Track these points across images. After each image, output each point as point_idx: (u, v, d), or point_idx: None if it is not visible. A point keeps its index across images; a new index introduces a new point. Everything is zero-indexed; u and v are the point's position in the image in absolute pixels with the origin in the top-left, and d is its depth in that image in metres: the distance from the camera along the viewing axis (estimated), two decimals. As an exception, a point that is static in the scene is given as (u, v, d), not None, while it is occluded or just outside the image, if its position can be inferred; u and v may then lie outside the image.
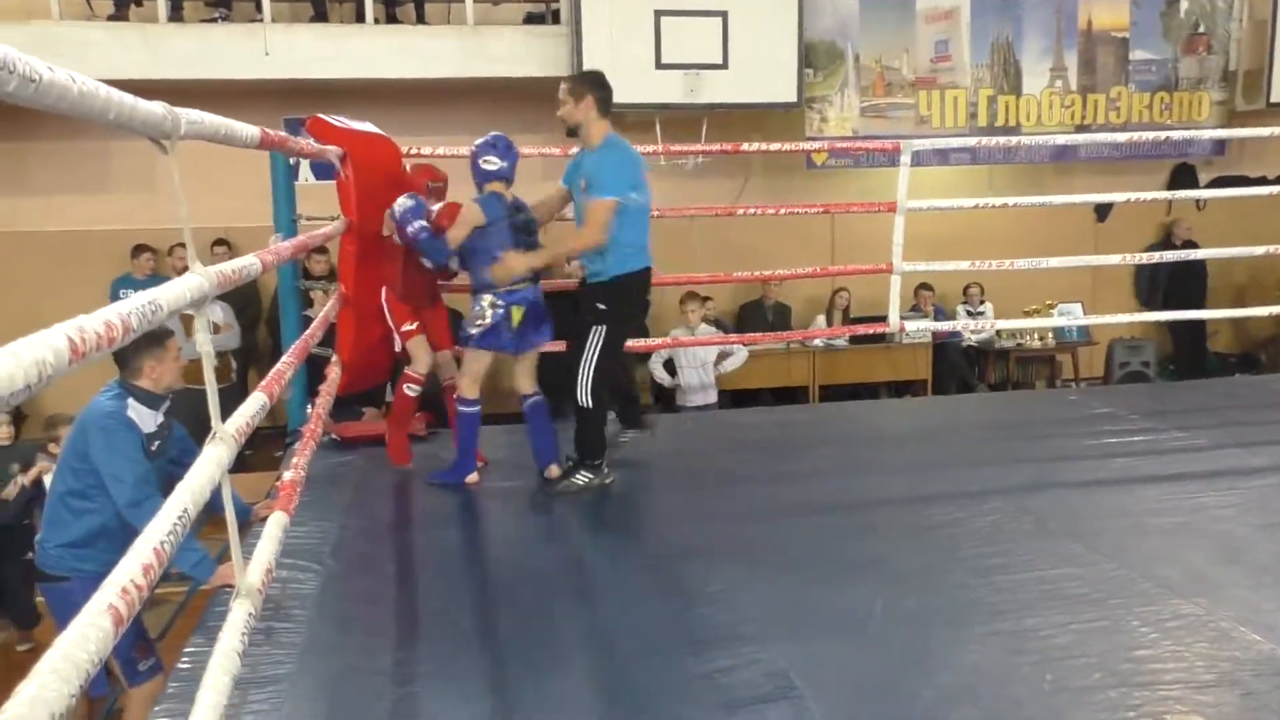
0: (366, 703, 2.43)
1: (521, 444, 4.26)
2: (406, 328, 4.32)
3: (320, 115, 4.30)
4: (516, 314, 3.89)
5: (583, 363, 3.91)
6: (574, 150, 4.31)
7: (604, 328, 3.93)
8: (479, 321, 3.88)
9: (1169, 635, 2.68)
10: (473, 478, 4.07)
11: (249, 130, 2.32)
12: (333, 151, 4.14)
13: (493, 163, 3.94)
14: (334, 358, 4.37)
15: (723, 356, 7.31)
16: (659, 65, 7.62)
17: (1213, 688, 2.40)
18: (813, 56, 8.20)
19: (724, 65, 7.74)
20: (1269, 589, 2.95)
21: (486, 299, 3.89)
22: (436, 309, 4.48)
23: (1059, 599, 2.91)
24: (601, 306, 3.96)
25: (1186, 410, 5.19)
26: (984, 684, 2.47)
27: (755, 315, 8.48)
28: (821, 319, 8.64)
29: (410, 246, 4.02)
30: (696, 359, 7.20)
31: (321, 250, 6.87)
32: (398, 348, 4.39)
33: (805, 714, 2.31)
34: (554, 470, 4.04)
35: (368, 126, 4.53)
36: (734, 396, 7.95)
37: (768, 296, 8.54)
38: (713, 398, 7.27)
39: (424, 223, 3.97)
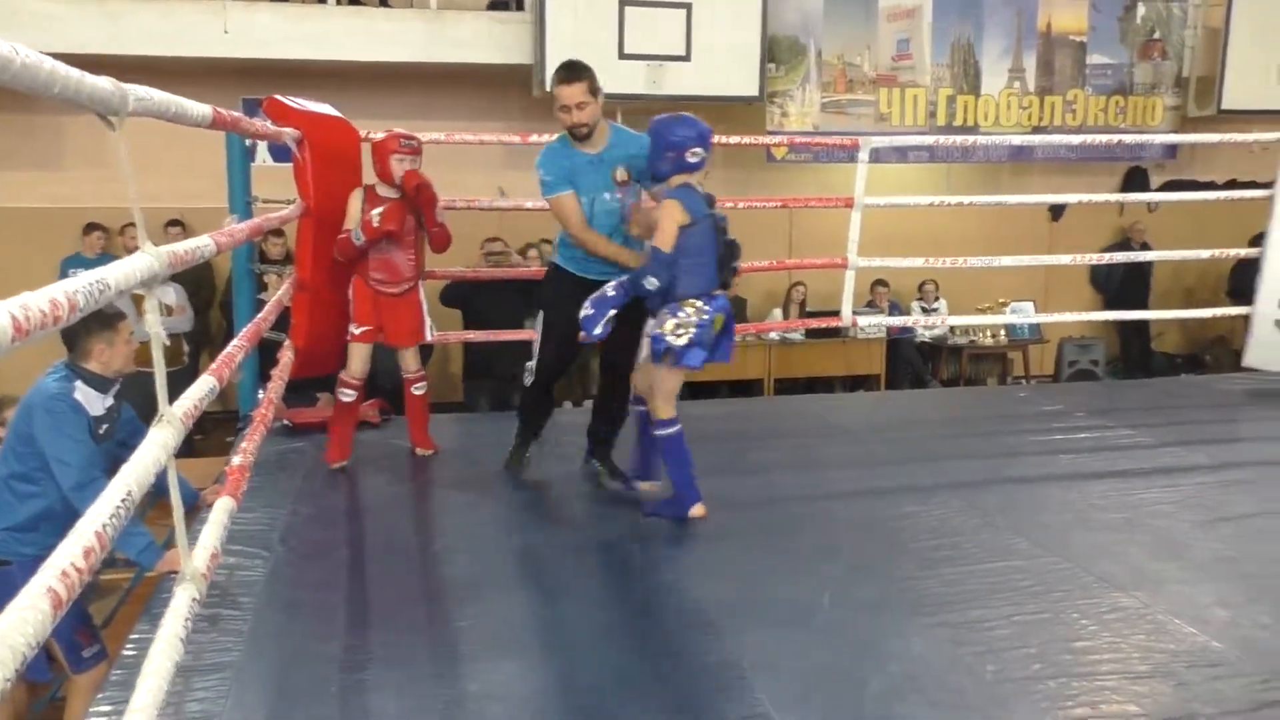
0: (315, 689, 2.42)
1: (473, 432, 4.25)
2: (357, 329, 4.14)
3: (277, 96, 4.25)
4: (718, 322, 3.48)
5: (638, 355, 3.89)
6: (544, 138, 4.22)
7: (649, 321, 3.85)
8: (681, 332, 3.41)
9: (1108, 628, 2.74)
10: (698, 510, 3.52)
11: (200, 109, 2.29)
12: (289, 134, 4.10)
13: (698, 154, 3.44)
14: (286, 342, 4.33)
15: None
16: (622, 55, 7.62)
17: (1148, 679, 2.46)
18: (775, 51, 8.23)
19: (686, 57, 7.76)
20: (1204, 584, 3.02)
21: (692, 306, 3.40)
22: (409, 299, 4.25)
23: (1003, 591, 2.96)
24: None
25: (1132, 409, 5.29)
26: (929, 674, 2.51)
27: (713, 308, 8.51)
28: (778, 312, 8.69)
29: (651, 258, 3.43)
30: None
31: (278, 233, 6.80)
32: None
33: (755, 703, 2.34)
34: (656, 487, 3.76)
35: (326, 109, 4.49)
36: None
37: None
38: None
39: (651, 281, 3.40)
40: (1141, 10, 8.95)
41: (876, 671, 2.53)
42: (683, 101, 7.94)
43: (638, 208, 3.74)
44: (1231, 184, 8.54)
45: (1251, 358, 5.83)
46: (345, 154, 4.39)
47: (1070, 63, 8.88)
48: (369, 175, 4.24)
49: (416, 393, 4.34)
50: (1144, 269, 9.25)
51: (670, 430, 3.54)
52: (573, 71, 3.63)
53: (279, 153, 6.93)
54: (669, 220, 3.37)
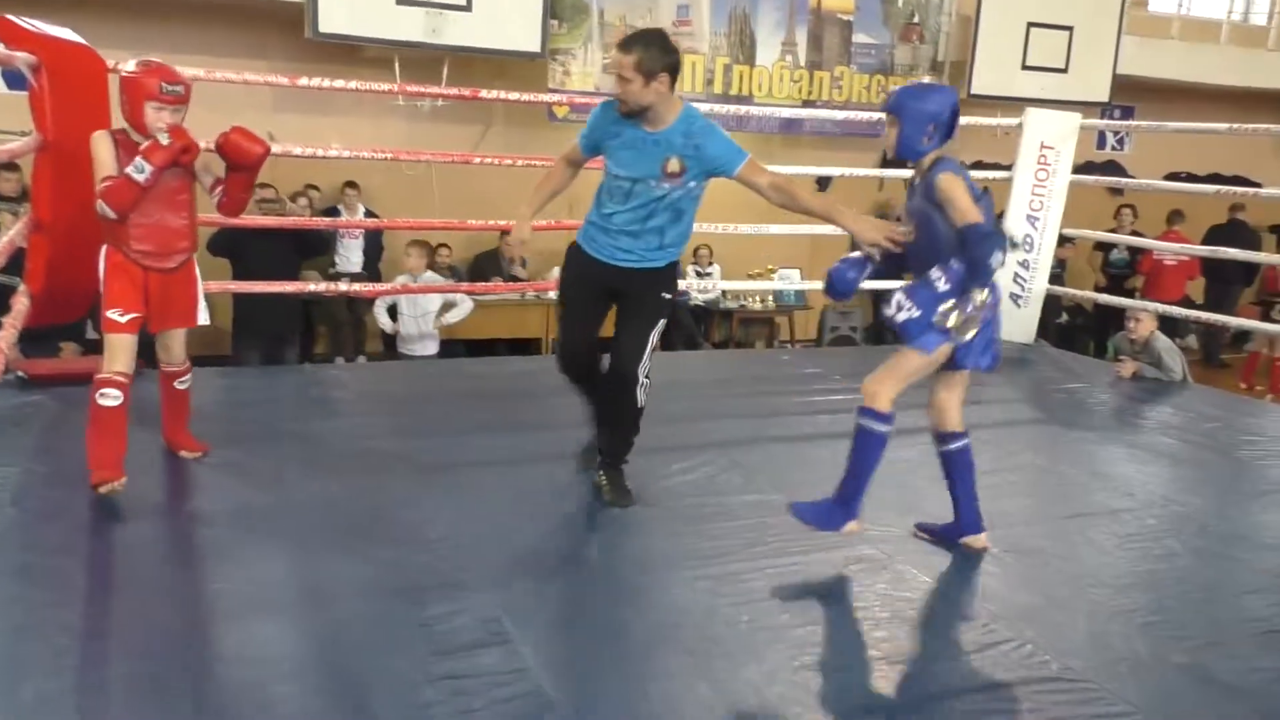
0: (48, 660, 2.26)
1: (239, 388, 4.03)
2: (120, 316, 3.21)
3: (9, 16, 3.86)
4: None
5: (642, 363, 3.41)
6: (316, 83, 4.00)
7: (664, 321, 3.47)
8: (969, 327, 2.88)
9: (853, 578, 2.93)
10: (854, 525, 3.05)
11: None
12: (23, 58, 3.73)
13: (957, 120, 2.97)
14: (22, 288, 3.97)
15: (447, 307, 7.21)
16: (399, 0, 7.36)
17: (887, 624, 2.65)
18: (558, 8, 8.18)
19: (468, 8, 7.58)
20: (941, 535, 3.27)
21: (980, 295, 2.85)
22: (183, 275, 3.39)
23: (760, 546, 3.10)
24: (666, 296, 3.46)
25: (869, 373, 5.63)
26: (688, 624, 2.61)
27: (490, 265, 8.43)
28: (558, 271, 8.71)
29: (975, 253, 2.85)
30: (418, 308, 7.09)
31: (11, 168, 6.20)
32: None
33: (516, 657, 2.36)
34: (983, 540, 3.17)
35: (66, 33, 4.12)
36: (468, 346, 7.89)
37: (504, 248, 8.50)
38: (432, 348, 7.19)
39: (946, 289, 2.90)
40: (903, -5, 9.45)
41: (639, 622, 2.61)
42: (463, 53, 7.79)
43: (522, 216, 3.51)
44: (978, 165, 9.18)
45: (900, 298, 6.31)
46: (89, 85, 4.03)
47: (838, 40, 9.28)
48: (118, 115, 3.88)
49: (180, 388, 3.58)
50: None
51: (883, 429, 3.00)
52: (627, 40, 3.22)
53: (12, 79, 6.30)
54: (963, 191, 2.85)
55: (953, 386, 3.15)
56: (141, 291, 3.27)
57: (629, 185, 3.29)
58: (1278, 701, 2.38)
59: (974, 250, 2.81)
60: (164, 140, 3.12)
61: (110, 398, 3.18)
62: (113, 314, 3.22)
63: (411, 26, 7.41)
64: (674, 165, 3.24)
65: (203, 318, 3.50)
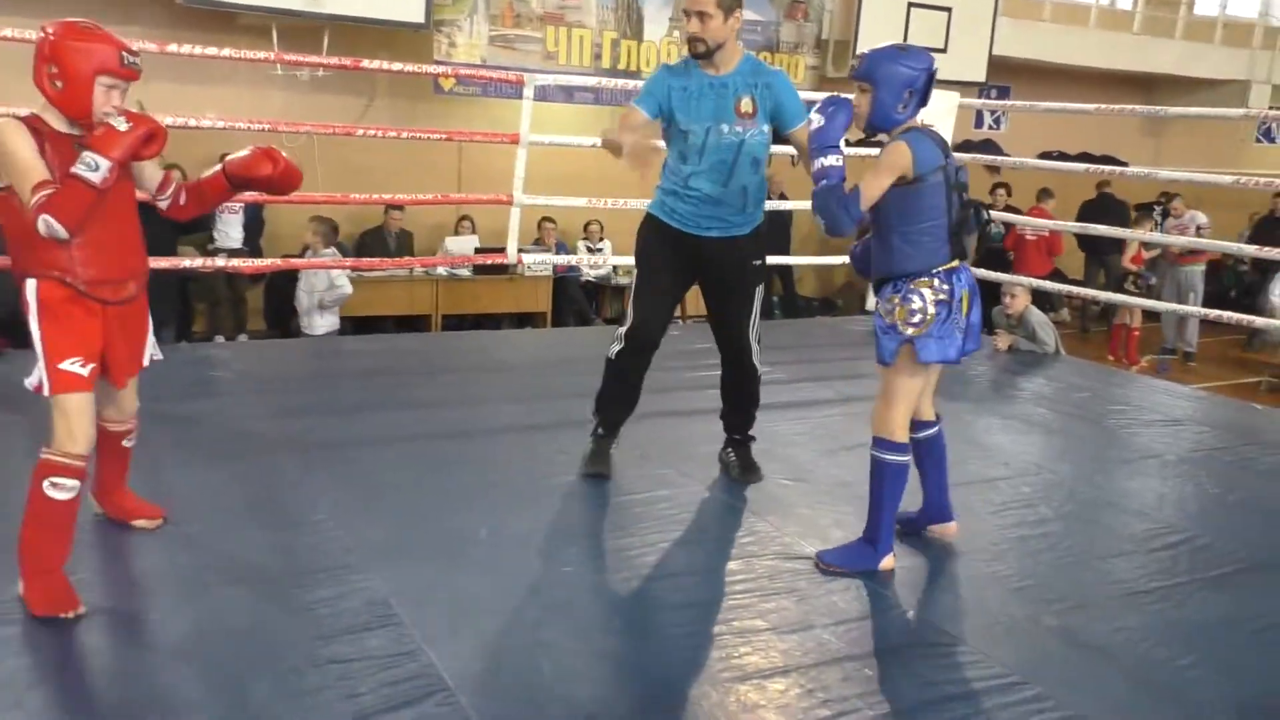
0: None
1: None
2: (76, 367, 2.39)
3: None
4: (965, 301, 2.81)
5: (752, 325, 3.40)
6: (188, 49, 3.82)
7: (762, 287, 3.42)
8: (919, 320, 2.74)
9: (744, 550, 2.97)
10: (889, 561, 2.87)
11: None
12: None
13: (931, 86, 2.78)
14: None
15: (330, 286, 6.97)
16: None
17: (774, 595, 2.70)
18: (443, -23, 8.03)
19: (350, -25, 7.39)
20: (825, 507, 3.34)
21: (927, 287, 2.74)
22: (138, 307, 2.66)
23: (651, 520, 3.12)
24: (758, 263, 3.38)
25: (772, 347, 5.66)
26: (580, 599, 2.61)
27: (377, 242, 8.26)
28: (449, 244, 8.58)
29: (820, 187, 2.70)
30: (310, 285, 6.90)
31: None
32: (43, 389, 2.39)
33: (405, 638, 2.33)
34: (953, 529, 3.12)
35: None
36: (355, 323, 7.73)
37: (390, 223, 8.34)
38: (335, 325, 7.01)
39: (838, 159, 2.70)
40: (788, -27, 9.55)
41: (530, 601, 2.60)
42: (345, 22, 7.58)
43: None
44: (861, 142, 9.35)
45: (873, 302, 6.47)
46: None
47: (726, 17, 9.34)
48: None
49: (128, 445, 2.86)
50: (784, 217, 9.96)
51: (896, 459, 2.85)
52: None
53: None
54: (886, 169, 2.68)
55: (932, 373, 2.99)
56: (97, 330, 2.46)
57: (703, 136, 3.16)
58: (1142, 660, 2.51)
59: (814, 197, 2.70)
60: (120, 126, 2.32)
61: (66, 490, 2.35)
62: (69, 365, 2.37)
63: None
64: (746, 105, 3.15)
65: (154, 353, 2.75)
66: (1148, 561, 3.08)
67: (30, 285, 2.40)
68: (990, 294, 7.49)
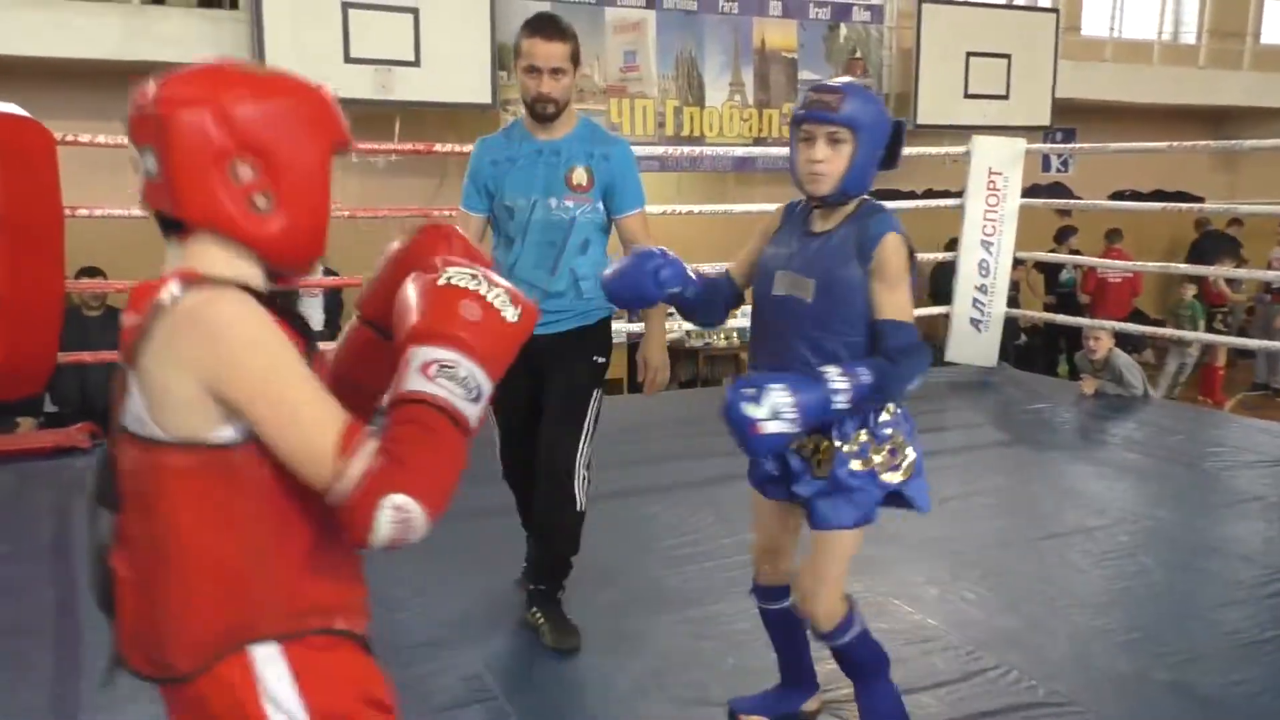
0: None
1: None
2: None
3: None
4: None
5: (581, 444, 2.73)
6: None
7: (600, 391, 2.81)
8: (900, 461, 2.08)
9: (836, 612, 2.91)
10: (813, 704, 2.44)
11: None
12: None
13: None
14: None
15: None
16: (348, 59, 7.38)
17: (872, 657, 2.63)
18: (506, 58, 8.21)
19: (416, 63, 7.61)
20: (916, 564, 3.27)
21: (889, 413, 2.08)
22: None
23: (739, 586, 3.08)
24: (601, 360, 2.82)
25: (850, 403, 5.66)
26: (672, 669, 2.58)
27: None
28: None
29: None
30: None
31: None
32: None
33: (499, 713, 2.32)
34: (818, 701, 2.45)
35: (12, 108, 4.08)
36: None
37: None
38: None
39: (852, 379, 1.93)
40: (844, 31, 9.61)
41: (621, 671, 2.58)
42: (415, 107, 7.81)
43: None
44: (929, 193, 9.31)
45: (952, 353, 6.40)
46: (37, 159, 3.99)
47: (784, 78, 9.41)
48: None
49: None
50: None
51: (855, 633, 2.18)
52: (555, 26, 2.69)
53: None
54: (906, 271, 2.02)
55: (792, 523, 2.27)
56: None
57: (527, 212, 2.70)
58: (1259, 714, 2.39)
59: (897, 365, 1.95)
60: (511, 315, 1.22)
61: None
62: None
63: (360, 83, 7.41)
64: (580, 176, 2.70)
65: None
66: (1260, 610, 2.95)
67: (261, 658, 1.22)
68: (1071, 339, 7.35)
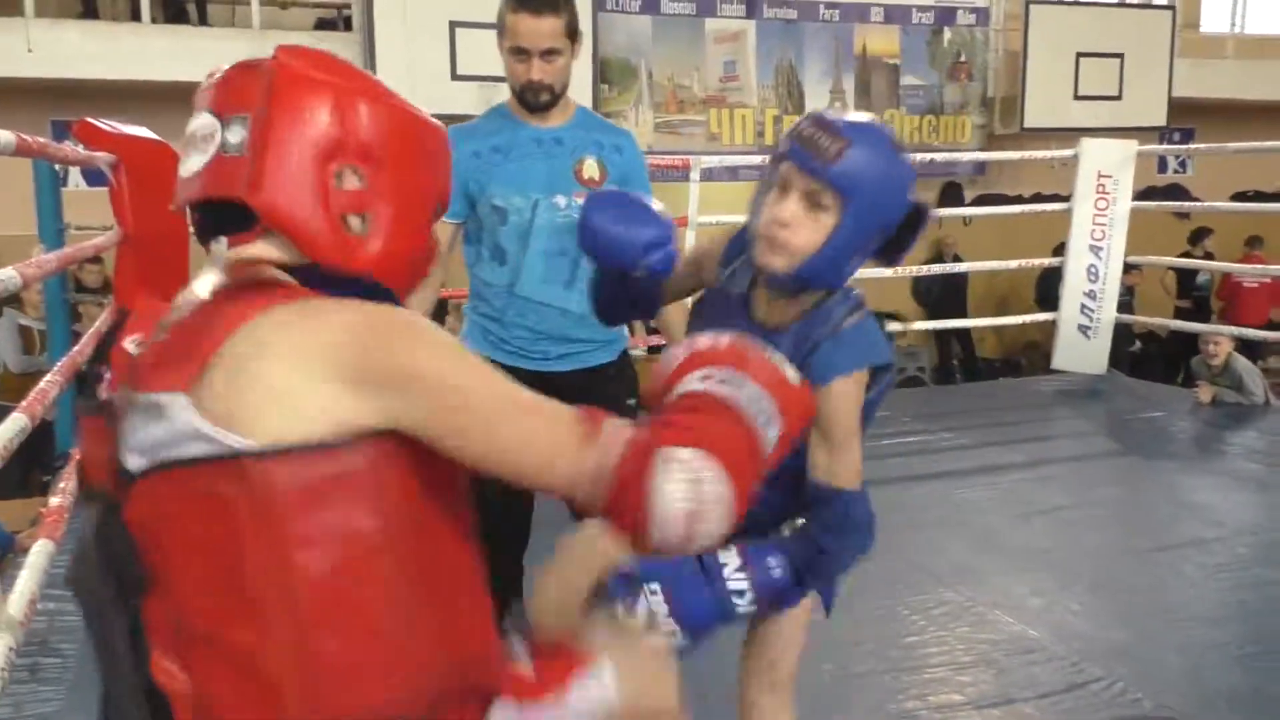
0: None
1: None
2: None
3: (89, 119, 4.06)
4: None
5: None
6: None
7: None
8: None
9: (934, 622, 2.89)
10: None
11: (3, 136, 2.19)
12: (103, 158, 3.92)
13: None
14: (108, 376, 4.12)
15: None
16: (455, 76, 7.59)
17: (971, 668, 2.61)
18: (607, 72, 8.34)
19: (520, 78, 7.79)
20: (1018, 574, 3.22)
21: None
22: None
23: (840, 592, 3.08)
24: (631, 404, 2.30)
25: (954, 412, 5.58)
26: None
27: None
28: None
29: None
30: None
31: (94, 260, 6.47)
32: None
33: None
34: None
35: (143, 131, 4.31)
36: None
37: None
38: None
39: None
40: (948, 34, 9.47)
41: (717, 680, 2.59)
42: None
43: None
44: (1037, 197, 9.11)
45: (1059, 360, 6.26)
46: (164, 177, 4.21)
47: (885, 84, 9.32)
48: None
49: None
50: (958, 280, 9.75)
51: None
52: None
53: (93, 176, 6.60)
54: (856, 417, 1.48)
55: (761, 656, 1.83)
56: None
57: (527, 214, 2.18)
58: (1388, 732, 2.30)
59: (829, 547, 1.48)
60: (792, 376, 1.08)
61: None
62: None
63: (467, 99, 7.61)
64: (591, 168, 2.22)
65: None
66: (1388, 626, 2.82)
67: None
68: (1189, 344, 7.10)
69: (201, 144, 0.96)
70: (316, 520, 0.85)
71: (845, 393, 1.43)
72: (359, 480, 0.87)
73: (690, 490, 0.83)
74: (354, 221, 0.95)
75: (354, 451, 0.87)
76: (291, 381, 0.86)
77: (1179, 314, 8.90)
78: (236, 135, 0.93)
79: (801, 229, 1.38)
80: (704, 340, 1.05)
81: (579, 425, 0.90)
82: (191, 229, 1.06)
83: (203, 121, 0.96)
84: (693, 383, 0.97)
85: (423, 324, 0.93)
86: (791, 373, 1.02)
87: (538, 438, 0.89)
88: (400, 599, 0.89)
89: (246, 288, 0.96)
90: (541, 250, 2.18)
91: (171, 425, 0.87)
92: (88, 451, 0.98)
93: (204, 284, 0.99)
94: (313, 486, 0.85)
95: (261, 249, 0.96)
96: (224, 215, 0.96)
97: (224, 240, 0.97)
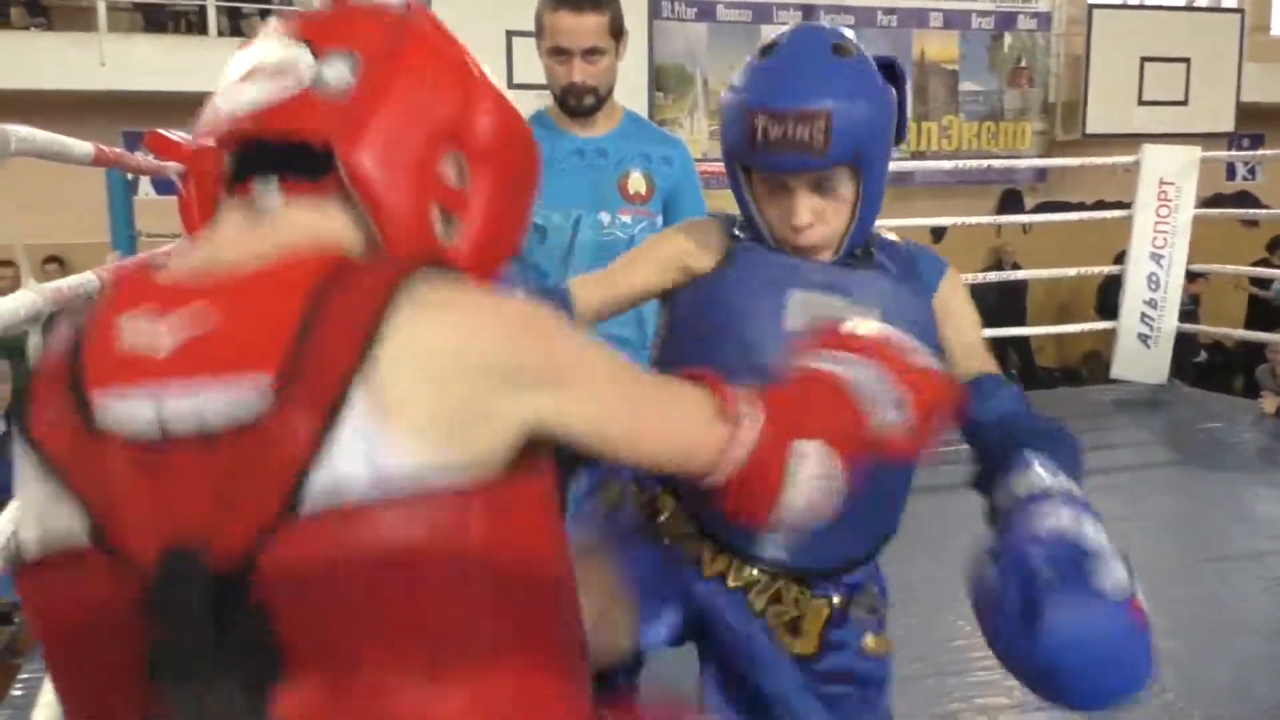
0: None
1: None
2: None
3: (160, 130, 4.20)
4: None
5: None
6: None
7: None
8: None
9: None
10: None
11: (82, 147, 2.30)
12: (173, 168, 4.05)
13: None
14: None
15: None
16: (511, 85, 7.65)
17: (1019, 674, 2.60)
18: (663, 79, 8.41)
19: (576, 87, 7.88)
20: (1073, 583, 3.20)
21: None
22: None
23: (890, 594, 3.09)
24: None
25: (1010, 420, 5.53)
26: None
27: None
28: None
29: None
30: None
31: (163, 267, 6.68)
32: None
33: None
34: None
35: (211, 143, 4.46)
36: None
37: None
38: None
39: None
40: (1008, 40, 9.40)
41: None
42: (574, 130, 8.08)
43: None
44: (1099, 205, 8.99)
45: (1119, 369, 6.17)
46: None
47: (944, 90, 9.27)
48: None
49: None
50: (1017, 287, 9.65)
51: None
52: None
53: (161, 185, 6.81)
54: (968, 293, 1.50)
55: None
56: None
57: (567, 233, 2.06)
58: None
59: (1067, 442, 1.27)
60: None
61: None
62: None
63: (522, 107, 7.66)
64: (638, 182, 2.11)
65: None
66: None
67: None
68: (1255, 353, 6.96)
69: (274, 75, 0.79)
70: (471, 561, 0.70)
71: (958, 282, 1.41)
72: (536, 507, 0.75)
73: (819, 486, 0.89)
74: (439, 218, 0.81)
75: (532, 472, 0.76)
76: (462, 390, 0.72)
77: (1251, 323, 8.71)
78: (338, 72, 0.77)
79: (825, 217, 1.28)
80: (835, 325, 1.04)
81: (711, 406, 0.87)
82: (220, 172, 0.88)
83: (276, 51, 0.80)
84: (808, 360, 0.97)
85: (548, 313, 0.82)
86: (926, 358, 1.01)
87: (693, 420, 0.86)
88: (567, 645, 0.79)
89: (294, 255, 0.74)
90: (585, 271, 1.87)
91: (350, 445, 0.68)
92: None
93: (236, 244, 0.79)
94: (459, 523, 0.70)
95: (327, 212, 0.78)
96: (275, 162, 0.79)
97: (275, 182, 0.79)
